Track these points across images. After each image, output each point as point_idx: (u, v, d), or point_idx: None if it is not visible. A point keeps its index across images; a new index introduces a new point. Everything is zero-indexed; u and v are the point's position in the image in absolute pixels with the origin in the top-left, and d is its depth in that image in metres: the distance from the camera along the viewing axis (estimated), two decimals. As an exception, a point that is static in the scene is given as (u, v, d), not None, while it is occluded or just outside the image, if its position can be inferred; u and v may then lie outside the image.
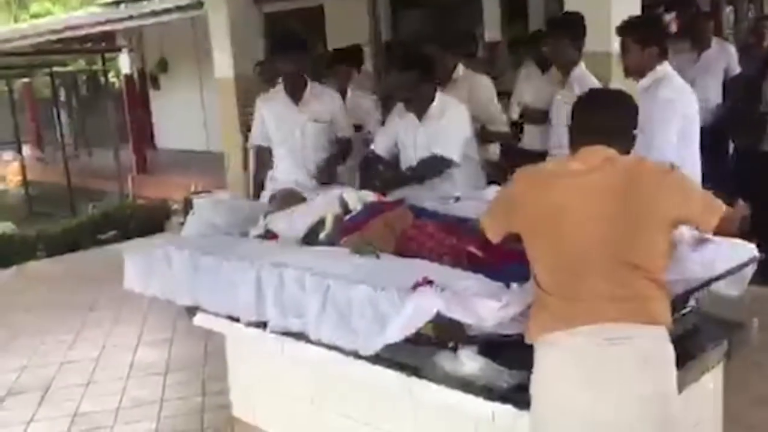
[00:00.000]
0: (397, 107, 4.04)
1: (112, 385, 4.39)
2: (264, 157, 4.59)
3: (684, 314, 2.38)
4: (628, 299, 1.97)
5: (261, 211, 3.48)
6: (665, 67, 3.60)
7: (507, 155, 4.91)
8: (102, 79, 14.53)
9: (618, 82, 3.98)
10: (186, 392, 4.23)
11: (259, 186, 4.62)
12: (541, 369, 2.01)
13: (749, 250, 2.41)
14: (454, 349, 2.27)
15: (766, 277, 2.55)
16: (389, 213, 2.91)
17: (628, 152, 2.17)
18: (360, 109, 5.14)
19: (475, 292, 2.20)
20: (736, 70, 6.12)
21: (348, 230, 2.89)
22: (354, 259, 2.61)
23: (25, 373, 4.68)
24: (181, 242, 3.25)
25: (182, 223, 3.75)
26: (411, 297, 2.14)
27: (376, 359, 2.34)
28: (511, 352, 2.22)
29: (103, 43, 14.80)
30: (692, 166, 3.49)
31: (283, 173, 4.44)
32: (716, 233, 2.19)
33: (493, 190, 3.20)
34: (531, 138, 4.94)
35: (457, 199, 3.35)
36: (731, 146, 5.97)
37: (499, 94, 4.85)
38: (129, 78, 14.95)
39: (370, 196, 3.16)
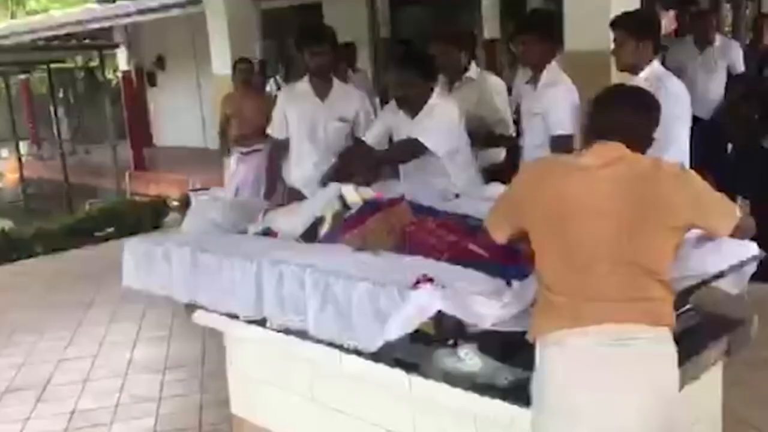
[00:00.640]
0: (392, 103, 4.00)
1: (110, 382, 4.38)
2: (279, 150, 4.52)
3: (684, 312, 2.37)
4: (634, 300, 1.95)
5: (260, 208, 3.47)
6: (658, 64, 3.60)
7: (509, 155, 4.88)
8: (99, 75, 14.49)
9: (618, 82, 3.96)
10: (184, 389, 4.22)
11: (275, 178, 4.56)
12: (544, 367, 1.99)
13: (749, 248, 2.40)
14: (454, 347, 2.26)
15: (766, 274, 2.55)
16: (389, 210, 2.90)
17: (643, 153, 2.10)
18: None
19: (476, 290, 2.19)
20: (740, 69, 6.11)
21: (348, 227, 2.88)
22: (354, 256, 2.60)
23: (22, 370, 4.67)
24: (180, 239, 3.24)
25: (181, 221, 3.74)
26: (411, 294, 2.13)
27: (376, 356, 2.33)
28: (510, 350, 2.21)
29: (100, 40, 14.77)
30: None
31: (302, 169, 4.34)
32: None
33: (493, 188, 3.19)
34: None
35: (457, 196, 3.34)
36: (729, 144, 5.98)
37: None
38: (126, 75, 14.94)
39: (370, 193, 3.15)
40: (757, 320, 2.54)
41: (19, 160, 14.34)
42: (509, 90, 5.38)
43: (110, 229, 8.24)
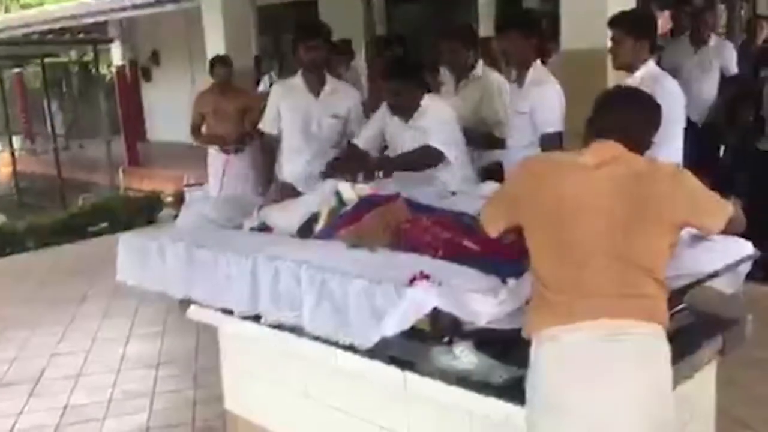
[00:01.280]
0: (384, 106, 3.98)
1: (103, 377, 4.37)
2: (271, 145, 4.51)
3: (678, 311, 2.38)
4: (629, 296, 1.96)
5: (255, 203, 3.46)
6: (653, 63, 3.61)
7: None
8: (93, 70, 14.45)
9: (615, 80, 3.97)
10: (178, 385, 4.21)
11: (267, 173, 4.54)
12: (538, 363, 2.00)
13: (744, 247, 2.41)
14: (450, 344, 2.26)
15: (760, 274, 2.56)
16: (385, 207, 2.89)
17: (641, 155, 2.12)
18: None
19: (472, 287, 2.19)
20: (733, 70, 6.12)
21: (343, 224, 2.88)
22: (350, 253, 2.59)
23: (15, 365, 4.66)
24: (175, 234, 3.22)
25: (175, 216, 3.73)
26: (407, 291, 2.13)
27: (371, 353, 2.33)
28: (506, 348, 2.21)
29: (94, 35, 14.73)
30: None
31: (294, 165, 4.32)
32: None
33: (489, 186, 3.19)
34: None
35: (453, 194, 3.34)
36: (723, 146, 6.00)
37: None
38: (121, 69, 14.89)
39: (366, 190, 3.15)
40: (752, 320, 2.55)
41: (12, 154, 14.30)
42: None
43: (103, 225, 8.23)
